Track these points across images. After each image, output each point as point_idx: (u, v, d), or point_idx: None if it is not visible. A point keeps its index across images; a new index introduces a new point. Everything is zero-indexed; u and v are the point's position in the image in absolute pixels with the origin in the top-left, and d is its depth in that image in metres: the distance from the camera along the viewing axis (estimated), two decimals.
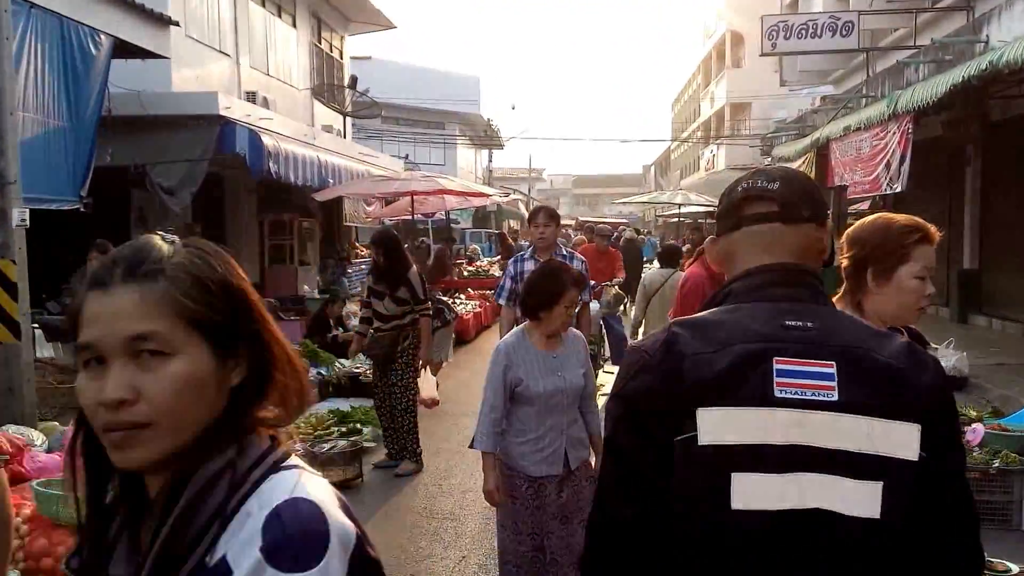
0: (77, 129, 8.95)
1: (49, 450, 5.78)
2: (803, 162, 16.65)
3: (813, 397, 1.45)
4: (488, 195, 13.80)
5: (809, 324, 1.51)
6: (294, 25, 19.59)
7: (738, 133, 42.63)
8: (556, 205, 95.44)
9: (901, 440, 1.44)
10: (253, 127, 12.11)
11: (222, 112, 11.65)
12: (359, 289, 16.82)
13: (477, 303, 16.03)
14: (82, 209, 9.48)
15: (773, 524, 1.44)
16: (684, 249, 10.40)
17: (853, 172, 12.62)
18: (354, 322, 10.24)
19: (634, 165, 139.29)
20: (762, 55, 19.29)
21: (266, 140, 11.81)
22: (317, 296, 16.35)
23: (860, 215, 26.99)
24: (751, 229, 1.64)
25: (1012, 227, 13.81)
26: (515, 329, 4.17)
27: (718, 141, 44.66)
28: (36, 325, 9.66)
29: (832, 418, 1.44)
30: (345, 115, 21.25)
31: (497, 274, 18.35)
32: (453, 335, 10.90)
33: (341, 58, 23.80)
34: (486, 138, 48.36)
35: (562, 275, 3.93)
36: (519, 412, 3.93)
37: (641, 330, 8.90)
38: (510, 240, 22.32)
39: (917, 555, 1.47)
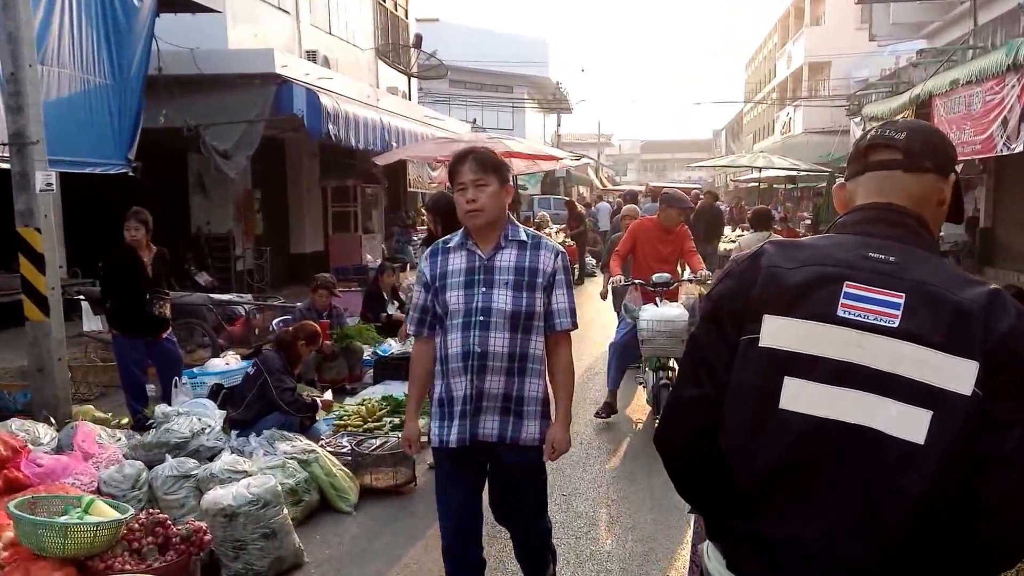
0: (122, 87, 8.39)
1: (59, 449, 5.17)
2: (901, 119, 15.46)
3: (875, 322, 1.55)
4: (558, 158, 12.90)
5: (892, 258, 1.61)
6: None
7: (816, 94, 40.97)
8: (624, 171, 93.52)
9: (956, 374, 1.50)
10: (312, 87, 11.49)
11: (279, 71, 11.05)
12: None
13: None
14: (131, 173, 8.97)
15: (816, 429, 1.56)
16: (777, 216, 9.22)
17: (962, 131, 11.39)
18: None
19: (704, 130, 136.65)
20: (858, 2, 17.90)
21: (325, 101, 11.17)
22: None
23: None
24: (874, 174, 1.73)
25: None
26: None
27: (795, 103, 42.93)
28: (83, 297, 9.22)
29: (891, 343, 1.53)
30: (410, 76, 20.55)
31: (569, 243, 17.55)
32: None
33: (406, 17, 23.08)
34: (554, 102, 47.53)
35: None
36: None
37: None
38: (580, 207, 21.36)
39: (957, 490, 1.52)
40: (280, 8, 14.88)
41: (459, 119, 24.10)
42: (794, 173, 25.31)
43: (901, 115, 15.52)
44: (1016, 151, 9.84)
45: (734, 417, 1.65)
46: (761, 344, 1.62)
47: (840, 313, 1.57)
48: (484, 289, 3.26)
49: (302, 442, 5.63)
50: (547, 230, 19.65)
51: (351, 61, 17.95)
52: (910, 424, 1.51)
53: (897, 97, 16.60)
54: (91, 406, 6.94)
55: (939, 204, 1.75)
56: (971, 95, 11.22)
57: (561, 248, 3.45)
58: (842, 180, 1.83)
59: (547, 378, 3.44)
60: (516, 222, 3.47)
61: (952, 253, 20.04)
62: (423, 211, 21.97)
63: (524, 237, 3.36)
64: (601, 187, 46.72)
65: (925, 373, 1.52)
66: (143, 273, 6.72)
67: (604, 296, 9.21)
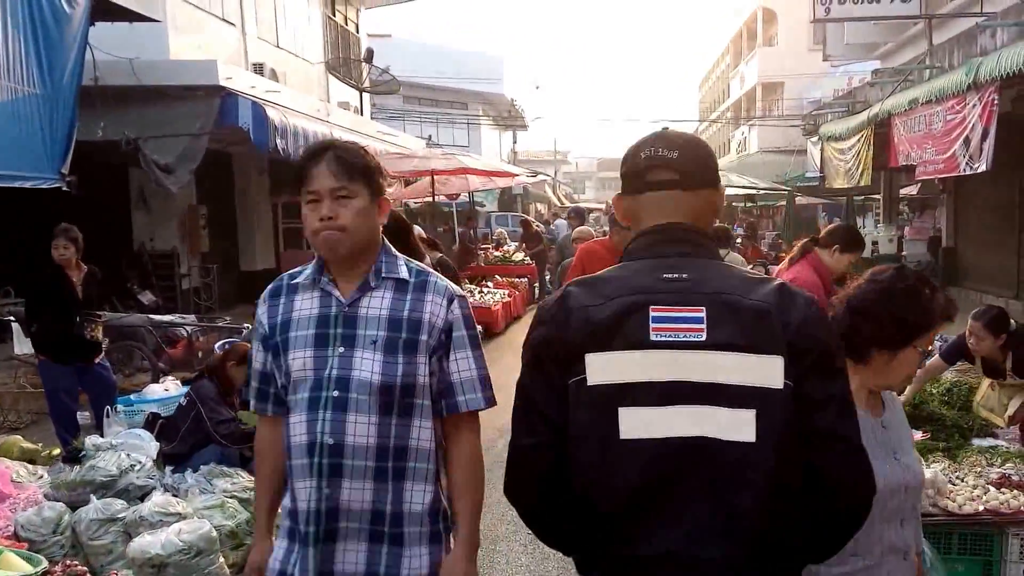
0: (53, 97, 7.91)
1: None
2: (859, 139, 15.36)
3: (684, 339, 1.66)
4: (514, 174, 12.59)
5: (684, 275, 1.72)
6: None
7: (770, 114, 41.40)
8: (582, 188, 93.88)
9: (766, 371, 1.64)
10: (258, 100, 11.06)
11: (223, 82, 10.61)
12: None
13: (506, 292, 14.84)
14: (65, 188, 8.46)
15: (659, 450, 1.66)
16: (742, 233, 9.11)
17: (923, 150, 11.33)
18: None
19: None
20: (813, 22, 17.93)
21: (271, 114, 10.75)
22: None
23: (911, 200, 25.73)
24: (654, 195, 1.82)
25: None
26: None
27: (750, 123, 43.26)
28: (13, 318, 8.69)
29: (702, 356, 1.66)
30: (362, 91, 20.14)
31: (528, 262, 17.20)
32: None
33: (357, 32, 22.70)
34: (510, 118, 47.40)
35: None
36: None
37: None
38: (535, 226, 20.99)
39: (798, 476, 1.66)
40: (225, 20, 14.41)
41: (414, 136, 23.71)
42: (753, 192, 25.36)
43: (860, 134, 15.51)
44: (979, 170, 9.74)
45: (581, 456, 1.71)
46: (589, 383, 1.68)
47: (653, 337, 1.67)
48: (342, 349, 2.22)
49: (243, 478, 5.20)
50: (506, 247, 19.37)
51: (300, 75, 17.52)
52: (739, 426, 1.63)
53: (854, 116, 16.59)
54: (19, 436, 6.45)
55: (714, 214, 1.89)
56: (932, 114, 11.13)
57: (459, 291, 2.36)
58: (619, 194, 1.91)
59: (441, 481, 2.34)
60: (395, 251, 2.37)
61: None
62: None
63: (405, 274, 2.30)
64: (559, 204, 46.63)
65: (740, 376, 1.64)
66: (72, 294, 6.33)
67: None
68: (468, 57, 42.88)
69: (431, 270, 2.41)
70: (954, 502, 3.85)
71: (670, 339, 1.66)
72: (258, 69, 14.42)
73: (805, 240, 5.28)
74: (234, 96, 10.69)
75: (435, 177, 12.86)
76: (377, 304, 2.26)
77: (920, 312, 2.26)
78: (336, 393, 2.19)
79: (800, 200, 27.43)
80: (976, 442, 4.79)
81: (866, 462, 1.71)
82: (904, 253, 20.06)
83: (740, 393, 1.64)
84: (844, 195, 23.61)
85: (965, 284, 18.46)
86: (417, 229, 21.77)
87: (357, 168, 2.24)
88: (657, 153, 1.80)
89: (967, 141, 9.83)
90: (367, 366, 2.20)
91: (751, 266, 20.84)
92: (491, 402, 2.33)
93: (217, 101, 10.57)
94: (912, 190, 22.38)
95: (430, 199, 18.15)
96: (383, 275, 2.28)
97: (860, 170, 15.97)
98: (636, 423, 1.66)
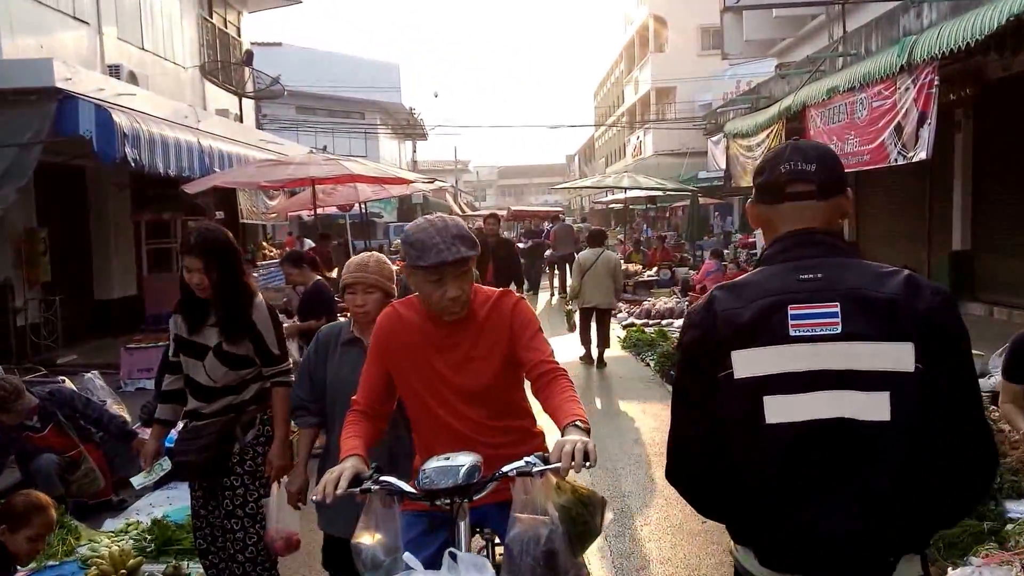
0: None
1: None
2: (768, 135, 14.67)
3: (822, 332, 1.83)
4: (408, 181, 11.24)
5: (819, 275, 1.88)
6: None
7: (663, 118, 41.60)
8: (483, 197, 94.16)
9: (898, 357, 1.78)
10: (105, 103, 9.54)
11: (59, 84, 9.07)
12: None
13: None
14: None
15: (802, 432, 1.82)
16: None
17: (844, 142, 10.52)
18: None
19: (558, 155, 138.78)
20: (723, 11, 17.27)
21: (120, 119, 9.26)
22: None
23: None
24: (793, 205, 1.98)
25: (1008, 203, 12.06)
26: None
27: (646, 127, 43.25)
28: None
29: (840, 346, 1.81)
30: (241, 96, 18.57)
31: None
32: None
33: (239, 36, 21.10)
34: (408, 127, 46.22)
35: None
36: None
37: (578, 299, 11.26)
38: None
39: (931, 451, 1.81)
40: (76, 18, 12.74)
41: (309, 146, 22.18)
42: (658, 193, 24.76)
43: (770, 129, 14.81)
44: (914, 159, 8.92)
45: (733, 441, 1.90)
46: (736, 377, 1.87)
47: (792, 333, 1.84)
48: None
49: None
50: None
51: (170, 79, 15.92)
52: (875, 406, 1.79)
53: (762, 112, 15.93)
54: None
55: (843, 217, 2.11)
56: (854, 102, 10.36)
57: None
58: (752, 200, 2.08)
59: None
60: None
61: None
62: (265, 244, 19.90)
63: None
64: (460, 213, 45.67)
65: (875, 362, 1.80)
66: None
67: None
68: (363, 65, 41.85)
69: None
70: None
71: (808, 333, 1.83)
72: (114, 71, 12.82)
73: None
74: (74, 100, 9.18)
75: (322, 186, 11.49)
76: None
77: None
78: None
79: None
80: None
81: (991, 438, 1.89)
82: None
83: (876, 377, 1.79)
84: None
85: None
86: (307, 242, 20.03)
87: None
88: (796, 167, 1.97)
89: (899, 129, 9.01)
90: None
91: (656, 269, 20.26)
92: None
93: (53, 106, 9.06)
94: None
95: (321, 210, 16.85)
96: None
97: None
98: (779, 409, 1.83)
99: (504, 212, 31.74)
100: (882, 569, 1.86)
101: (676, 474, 2.05)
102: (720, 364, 1.87)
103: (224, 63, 18.56)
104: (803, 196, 1.95)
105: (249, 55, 18.80)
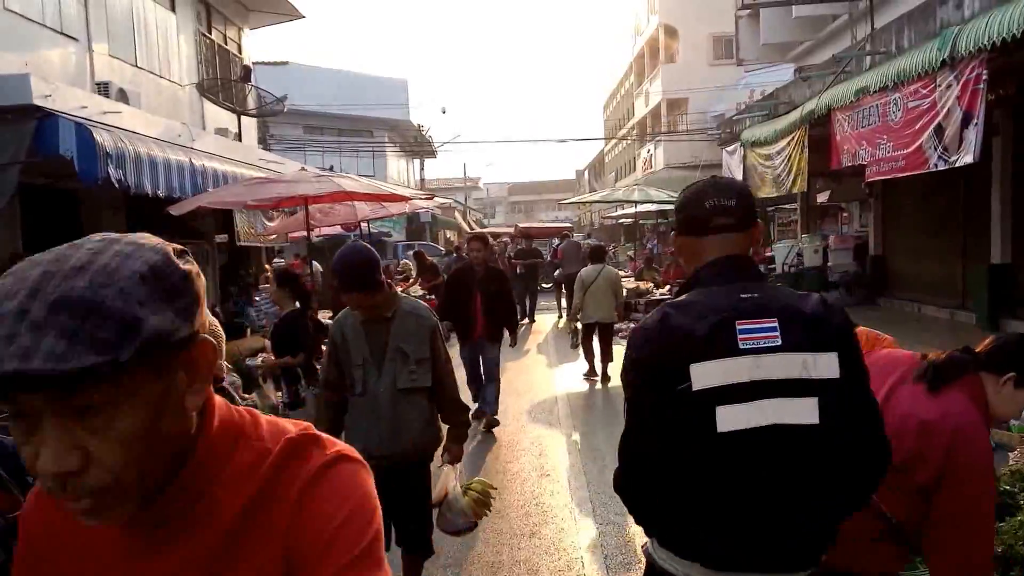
0: None
1: None
2: (790, 142, 13.97)
3: (765, 344, 1.98)
4: (405, 197, 10.51)
5: (756, 294, 2.06)
6: (172, 9, 16.34)
7: (675, 129, 40.97)
8: (492, 214, 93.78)
9: (826, 365, 1.98)
10: (88, 122, 8.94)
11: (37, 101, 8.48)
12: (264, 322, 13.73)
13: None
14: None
15: (747, 438, 1.96)
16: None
17: (876, 147, 9.79)
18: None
19: (567, 171, 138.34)
20: (739, 9, 16.64)
21: (101, 137, 8.65)
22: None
23: (810, 209, 24.57)
24: (717, 236, 2.18)
25: None
26: None
27: (657, 139, 42.60)
28: None
29: (779, 357, 1.98)
30: (239, 114, 18.01)
31: (430, 297, 15.34)
32: None
33: (240, 53, 20.58)
34: (416, 145, 45.69)
35: None
36: None
37: (581, 314, 11.51)
38: (428, 259, 18.90)
39: (845, 446, 2.01)
40: (64, 33, 12.21)
41: (316, 166, 21.62)
42: (670, 207, 24.09)
43: (791, 135, 14.11)
44: (958, 163, 8.16)
45: (688, 452, 1.99)
46: (694, 389, 1.97)
47: (741, 346, 1.98)
48: None
49: None
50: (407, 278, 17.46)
51: (165, 97, 15.38)
52: (806, 411, 1.96)
53: (782, 118, 15.24)
54: None
55: (755, 244, 2.31)
56: (887, 103, 9.62)
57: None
58: (676, 232, 2.30)
59: None
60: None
61: (842, 284, 18.89)
62: (268, 267, 19.28)
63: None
64: (469, 231, 45.11)
65: (806, 371, 1.97)
66: None
67: None
68: (371, 83, 41.41)
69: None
70: None
71: (754, 346, 1.96)
72: (103, 89, 12.26)
73: (959, 352, 2.64)
74: (54, 118, 8.56)
75: (317, 205, 10.88)
76: None
77: None
78: None
79: None
80: None
81: (885, 436, 2.07)
82: (830, 264, 18.89)
83: (806, 384, 1.96)
84: (774, 205, 22.44)
85: (897, 294, 17.28)
86: (278, 262, 19.32)
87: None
88: (720, 203, 2.18)
89: (939, 130, 8.26)
90: None
91: (669, 287, 19.44)
92: None
93: (32, 124, 8.45)
94: (822, 197, 21.23)
95: (329, 229, 16.16)
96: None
97: (792, 175, 14.55)
98: (729, 418, 1.95)
99: (512, 229, 30.94)
100: (815, 563, 2.09)
101: (627, 489, 2.14)
102: (679, 378, 1.97)
103: (224, 81, 18.02)
104: (726, 228, 2.16)
105: (247, 71, 18.24)
